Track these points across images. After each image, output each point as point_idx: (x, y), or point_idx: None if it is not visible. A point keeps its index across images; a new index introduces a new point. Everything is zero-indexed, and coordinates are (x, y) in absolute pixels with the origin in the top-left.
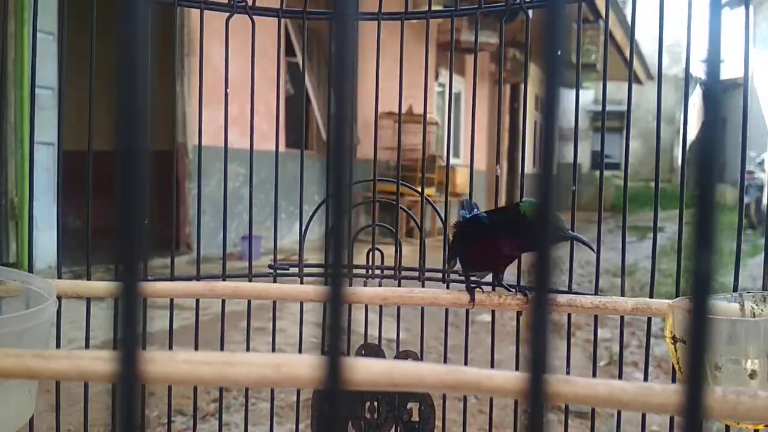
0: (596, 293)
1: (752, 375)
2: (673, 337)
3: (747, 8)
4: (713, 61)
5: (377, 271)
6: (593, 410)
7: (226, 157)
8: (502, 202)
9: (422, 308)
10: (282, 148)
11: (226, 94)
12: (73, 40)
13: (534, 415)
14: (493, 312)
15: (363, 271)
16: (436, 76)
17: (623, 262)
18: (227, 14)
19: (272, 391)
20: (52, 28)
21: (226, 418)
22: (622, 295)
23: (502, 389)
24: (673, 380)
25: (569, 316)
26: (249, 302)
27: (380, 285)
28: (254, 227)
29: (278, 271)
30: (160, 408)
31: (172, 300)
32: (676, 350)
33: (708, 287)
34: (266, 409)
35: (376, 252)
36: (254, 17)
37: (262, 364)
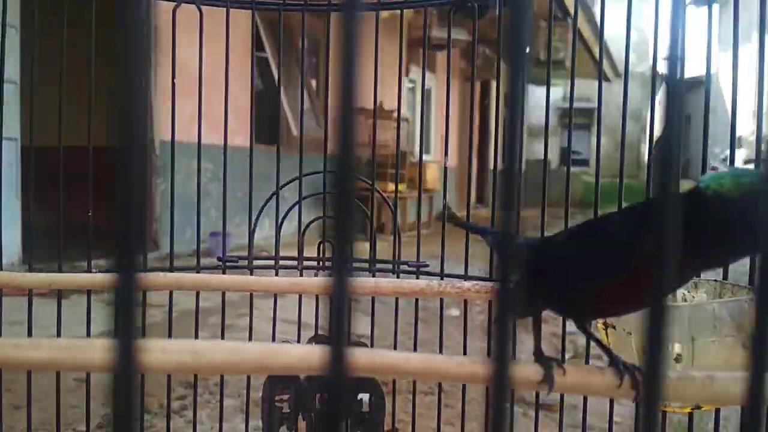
0: None
1: (677, 359)
2: (605, 323)
3: (710, 7)
4: (674, 59)
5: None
6: (562, 402)
7: (200, 153)
8: (473, 197)
9: (396, 303)
10: (244, 141)
11: (200, 92)
12: (38, 34)
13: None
14: (465, 305)
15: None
16: (407, 72)
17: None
18: (197, 6)
19: (216, 388)
20: (15, 21)
21: (189, 415)
22: None
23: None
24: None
25: None
26: (223, 297)
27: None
28: (221, 223)
29: (227, 264)
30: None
31: (145, 295)
32: (607, 336)
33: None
34: (232, 406)
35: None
36: (227, 10)
37: (179, 351)
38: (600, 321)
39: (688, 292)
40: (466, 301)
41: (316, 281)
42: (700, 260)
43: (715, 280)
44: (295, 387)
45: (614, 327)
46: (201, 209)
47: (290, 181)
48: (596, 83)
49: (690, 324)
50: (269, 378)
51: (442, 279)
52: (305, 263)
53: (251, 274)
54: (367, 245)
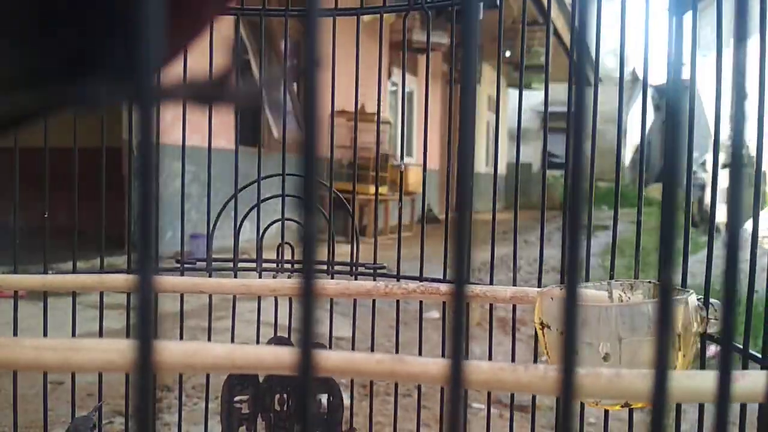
0: (491, 284)
1: (606, 357)
2: (541, 323)
3: (695, 12)
4: (676, 81)
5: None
6: (534, 403)
7: (184, 156)
8: (453, 200)
9: (373, 305)
10: (231, 145)
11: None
12: None
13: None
14: (443, 307)
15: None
16: (389, 75)
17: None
18: None
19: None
20: None
21: (167, 418)
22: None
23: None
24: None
25: (514, 312)
26: (210, 300)
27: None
28: (203, 226)
29: (185, 266)
30: (110, 405)
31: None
32: (543, 335)
33: (575, 277)
34: (205, 408)
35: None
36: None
37: (108, 350)
38: (537, 322)
39: (624, 293)
40: (444, 303)
41: (270, 283)
42: None
43: (650, 281)
44: (254, 388)
45: (548, 326)
46: (180, 212)
47: (263, 178)
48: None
49: (617, 324)
50: (228, 379)
51: (398, 281)
52: (265, 265)
53: (210, 276)
54: (346, 248)
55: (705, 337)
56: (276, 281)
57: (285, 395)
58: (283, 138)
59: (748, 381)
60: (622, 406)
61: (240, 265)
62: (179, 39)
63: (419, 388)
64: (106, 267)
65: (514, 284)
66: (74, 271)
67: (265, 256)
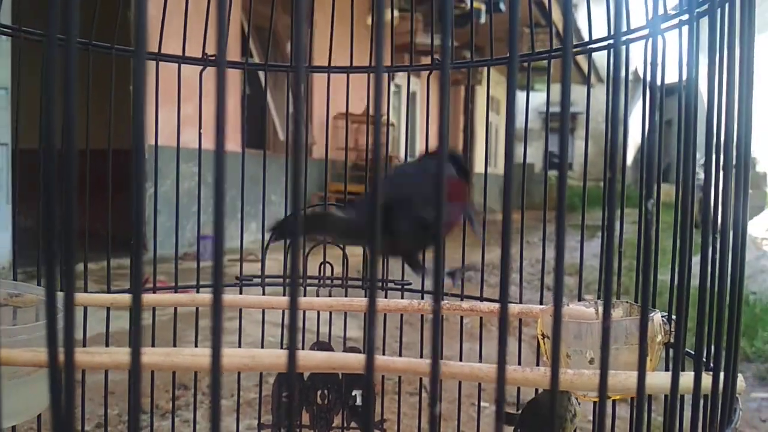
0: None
1: (591, 361)
2: (542, 334)
3: (694, 22)
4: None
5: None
6: (518, 399)
7: (179, 157)
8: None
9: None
10: (238, 147)
11: (200, 135)
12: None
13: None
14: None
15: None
16: (392, 77)
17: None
18: (185, 8)
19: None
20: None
21: (186, 415)
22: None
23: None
24: None
25: (520, 321)
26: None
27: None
28: (209, 228)
29: (243, 283)
30: (120, 406)
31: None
32: (544, 344)
33: (560, 300)
34: (224, 405)
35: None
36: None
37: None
38: (539, 332)
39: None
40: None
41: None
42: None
43: (628, 302)
44: (300, 384)
45: (549, 337)
46: (188, 213)
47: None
48: (579, 88)
49: (598, 336)
50: (277, 377)
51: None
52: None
53: (264, 292)
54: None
55: (668, 346)
56: (333, 300)
57: (326, 391)
58: (286, 142)
59: (686, 379)
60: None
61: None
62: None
63: (420, 387)
64: (115, 266)
65: (521, 300)
66: (85, 271)
67: (273, 257)
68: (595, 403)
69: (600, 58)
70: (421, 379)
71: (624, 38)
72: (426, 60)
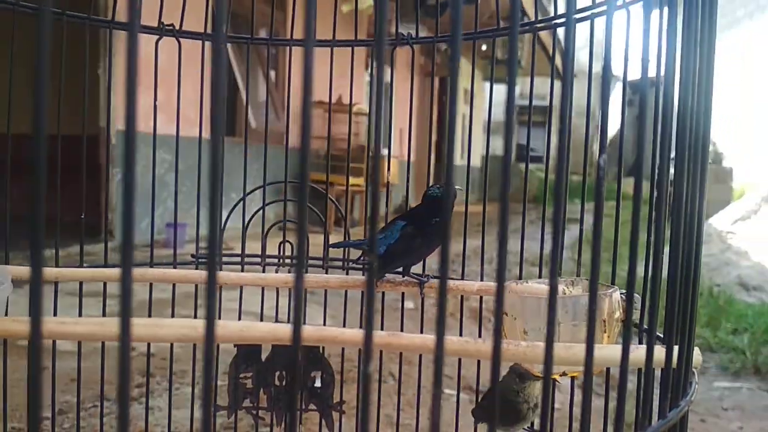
0: (462, 278)
1: None
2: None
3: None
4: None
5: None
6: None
7: (155, 143)
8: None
9: (345, 295)
10: (206, 134)
11: (155, 106)
12: None
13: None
14: (422, 300)
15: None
16: (367, 67)
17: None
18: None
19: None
20: None
21: (151, 403)
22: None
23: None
24: None
25: (481, 302)
26: (196, 289)
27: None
28: (180, 215)
29: (200, 261)
30: (85, 394)
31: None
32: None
33: (502, 278)
34: (190, 393)
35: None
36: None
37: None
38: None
39: (568, 288)
40: (422, 298)
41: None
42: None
43: (587, 279)
44: (257, 365)
45: (506, 314)
46: (158, 200)
47: (268, 184)
48: (555, 82)
49: (560, 311)
50: (234, 358)
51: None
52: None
53: (243, 270)
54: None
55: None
56: (288, 276)
57: (284, 372)
58: (266, 129)
59: (637, 353)
60: (561, 375)
61: (246, 259)
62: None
63: (400, 374)
64: (79, 252)
65: (482, 279)
66: (56, 259)
67: (249, 245)
68: (573, 378)
69: (578, 51)
70: (381, 362)
71: (588, 13)
72: (401, 50)
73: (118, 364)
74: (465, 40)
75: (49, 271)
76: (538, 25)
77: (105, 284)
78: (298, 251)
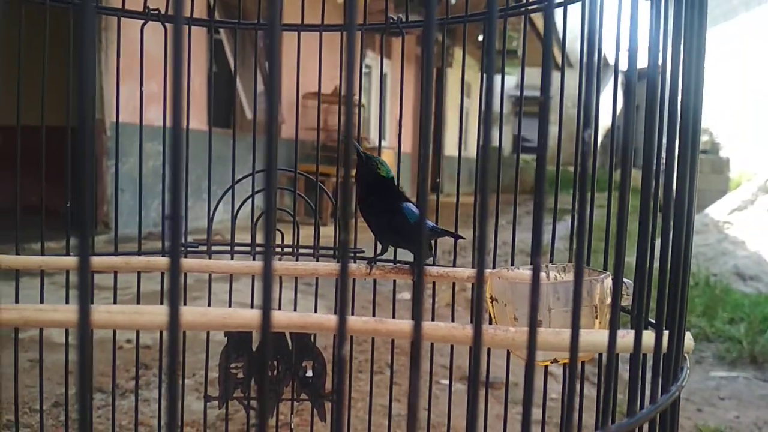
0: (454, 266)
1: (539, 324)
2: (491, 297)
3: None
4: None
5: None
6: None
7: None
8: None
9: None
10: (204, 126)
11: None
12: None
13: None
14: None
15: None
16: (362, 58)
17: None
18: None
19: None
20: None
21: (146, 394)
22: None
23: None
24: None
25: (473, 290)
26: (185, 279)
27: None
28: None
29: (189, 249)
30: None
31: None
32: (492, 307)
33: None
34: (186, 385)
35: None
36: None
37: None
38: (487, 295)
39: (559, 274)
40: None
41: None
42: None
43: None
44: (248, 355)
45: (496, 300)
46: (153, 192)
47: (257, 172)
48: (554, 74)
49: (549, 298)
50: (225, 348)
51: (375, 263)
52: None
53: (232, 258)
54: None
55: (623, 310)
56: (277, 263)
57: (276, 362)
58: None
59: (627, 338)
60: (551, 362)
61: (235, 248)
62: None
63: (392, 366)
64: (75, 245)
65: (474, 266)
66: (42, 249)
67: (240, 236)
68: (565, 365)
69: (570, 42)
70: (372, 355)
71: None
72: (396, 40)
73: (77, 355)
74: (455, 23)
75: (34, 260)
76: (530, 8)
77: (93, 274)
78: (265, 239)
